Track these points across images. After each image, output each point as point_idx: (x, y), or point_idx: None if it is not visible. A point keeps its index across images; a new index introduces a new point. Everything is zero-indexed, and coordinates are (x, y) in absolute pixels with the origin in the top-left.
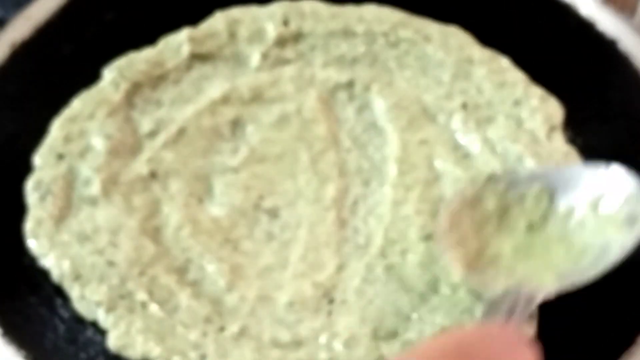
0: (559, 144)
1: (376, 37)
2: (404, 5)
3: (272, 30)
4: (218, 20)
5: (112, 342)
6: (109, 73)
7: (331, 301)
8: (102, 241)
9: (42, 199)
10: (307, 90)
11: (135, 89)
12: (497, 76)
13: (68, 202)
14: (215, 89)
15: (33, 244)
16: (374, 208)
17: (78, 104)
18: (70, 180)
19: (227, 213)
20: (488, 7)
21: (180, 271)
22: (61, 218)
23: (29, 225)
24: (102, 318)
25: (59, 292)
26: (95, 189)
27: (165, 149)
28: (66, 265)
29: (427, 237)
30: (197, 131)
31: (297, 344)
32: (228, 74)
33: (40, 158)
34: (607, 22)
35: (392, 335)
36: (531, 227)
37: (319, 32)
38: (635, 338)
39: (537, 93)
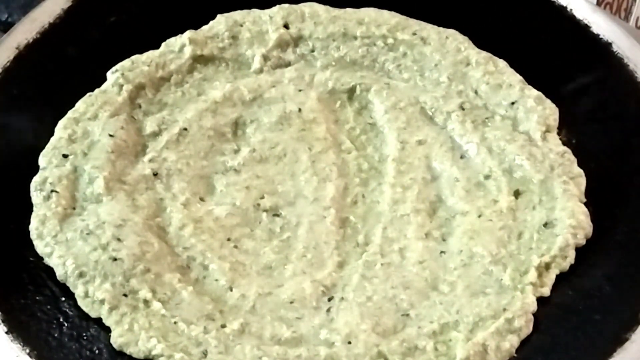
0: (555, 145)
1: (375, 40)
2: (403, 8)
3: (272, 33)
4: (220, 23)
5: (116, 339)
6: (113, 75)
7: (331, 298)
8: (106, 236)
9: (47, 198)
10: (307, 92)
11: (138, 90)
12: (494, 78)
13: (72, 201)
14: (216, 91)
15: (37, 243)
16: (373, 207)
17: (82, 105)
18: (74, 179)
19: (228, 212)
20: (485, 10)
21: (183, 269)
22: (65, 217)
23: (33, 225)
24: (106, 316)
25: (63, 290)
26: (98, 187)
27: (167, 149)
28: (70, 263)
29: (425, 236)
30: (199, 132)
31: (297, 340)
32: (229, 75)
33: (44, 158)
34: (602, 25)
35: (391, 332)
36: None
37: (319, 35)
38: (629, 335)
39: (533, 94)
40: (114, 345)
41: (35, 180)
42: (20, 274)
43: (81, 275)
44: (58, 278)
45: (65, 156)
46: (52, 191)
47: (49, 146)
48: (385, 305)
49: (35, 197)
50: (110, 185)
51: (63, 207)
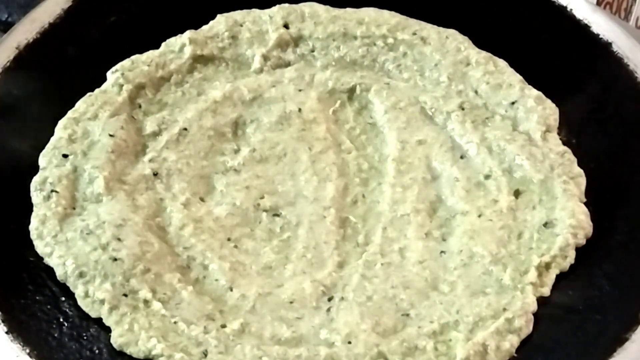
0: (555, 145)
1: (375, 40)
2: (403, 8)
3: (272, 33)
4: (220, 23)
5: (116, 339)
6: (113, 75)
7: (331, 298)
8: (106, 236)
9: (47, 198)
10: (307, 92)
11: (138, 90)
12: (494, 78)
13: (72, 201)
14: (216, 90)
15: (37, 243)
16: (373, 207)
17: (82, 105)
18: (74, 179)
19: (228, 212)
20: (485, 10)
21: (183, 269)
22: (65, 217)
23: (33, 225)
24: (106, 316)
25: (63, 290)
26: (98, 187)
27: (168, 149)
28: (70, 263)
29: (425, 236)
30: (199, 132)
31: (297, 340)
32: (229, 75)
33: (44, 158)
34: (602, 25)
35: (391, 331)
36: None
37: (319, 34)
38: (629, 335)
39: (533, 94)
40: (114, 345)
41: (35, 180)
42: (20, 274)
43: (81, 275)
44: (58, 278)
45: (65, 156)
46: (52, 191)
47: (49, 146)
48: (385, 305)
49: (35, 197)
50: (110, 185)
51: (63, 207)
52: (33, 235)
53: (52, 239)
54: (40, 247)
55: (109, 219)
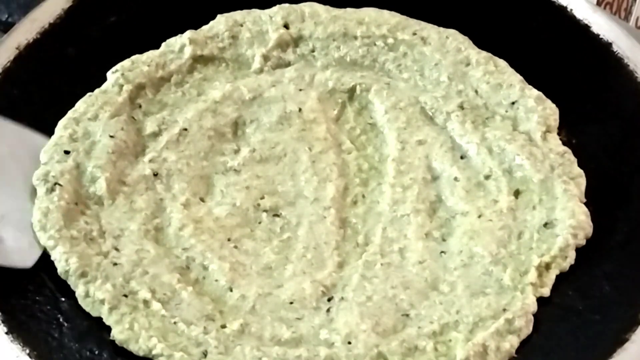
0: (555, 145)
1: (375, 40)
2: (403, 8)
3: (273, 33)
4: (220, 23)
5: (117, 335)
6: (113, 75)
7: (330, 299)
8: (106, 245)
9: (50, 190)
10: (307, 92)
11: (138, 90)
12: (494, 77)
13: (75, 196)
14: (216, 90)
15: (40, 235)
16: (373, 207)
17: (82, 105)
18: (77, 175)
19: (228, 212)
20: (485, 10)
21: (183, 270)
22: (68, 212)
23: (35, 216)
24: (106, 315)
25: (63, 290)
26: (100, 188)
27: (168, 149)
28: (73, 262)
29: (425, 236)
30: (199, 132)
31: (297, 341)
32: (229, 75)
33: (45, 154)
34: (603, 25)
35: (391, 332)
36: None
37: (319, 34)
38: (628, 335)
39: (533, 94)
40: (116, 340)
41: (38, 172)
42: (21, 274)
43: (83, 274)
44: (59, 273)
45: (67, 152)
46: (55, 184)
47: (50, 143)
48: (385, 305)
49: (39, 188)
50: (111, 187)
51: (66, 201)
52: (36, 226)
53: (55, 232)
54: (43, 238)
55: (109, 229)
